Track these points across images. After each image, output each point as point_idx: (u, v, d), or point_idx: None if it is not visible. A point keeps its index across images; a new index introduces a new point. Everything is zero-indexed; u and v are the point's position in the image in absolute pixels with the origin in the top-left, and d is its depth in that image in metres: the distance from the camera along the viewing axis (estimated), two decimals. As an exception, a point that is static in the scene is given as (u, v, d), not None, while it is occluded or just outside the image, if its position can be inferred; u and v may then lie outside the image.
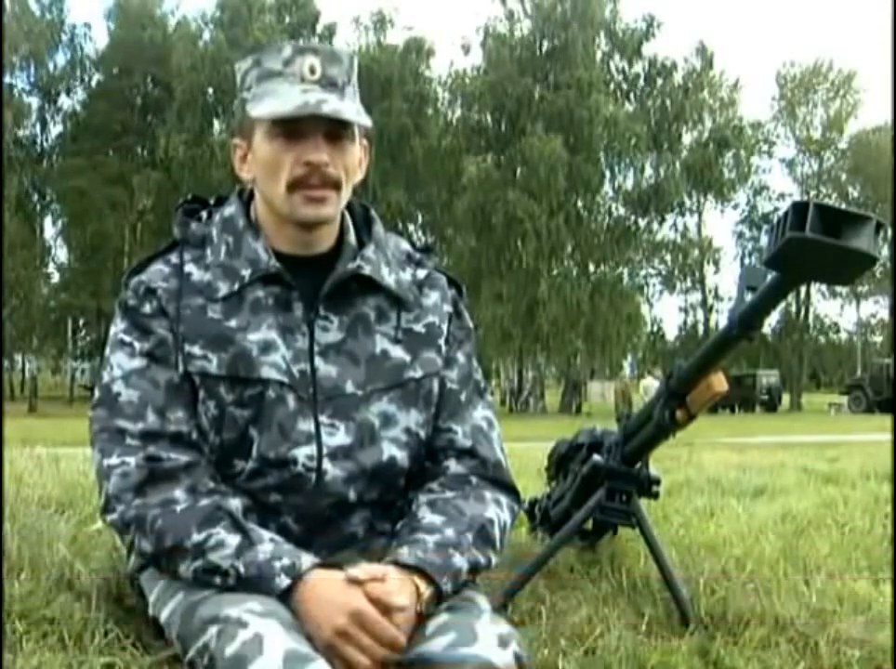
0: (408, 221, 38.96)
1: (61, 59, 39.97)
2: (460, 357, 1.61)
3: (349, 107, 1.48)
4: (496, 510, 1.51)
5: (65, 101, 40.72)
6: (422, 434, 1.55)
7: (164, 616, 1.43)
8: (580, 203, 36.43)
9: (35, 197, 40.10)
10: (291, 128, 1.46)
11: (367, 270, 1.53)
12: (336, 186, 1.48)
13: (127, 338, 1.49)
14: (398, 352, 1.54)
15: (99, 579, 1.75)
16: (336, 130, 1.47)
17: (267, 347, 1.47)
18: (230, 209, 1.57)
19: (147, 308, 1.49)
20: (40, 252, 39.82)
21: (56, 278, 42.59)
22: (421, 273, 1.62)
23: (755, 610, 1.92)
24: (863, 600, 2.07)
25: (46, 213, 41.07)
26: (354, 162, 1.52)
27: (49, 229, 41.84)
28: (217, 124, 38.39)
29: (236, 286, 1.49)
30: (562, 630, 1.82)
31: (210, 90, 37.67)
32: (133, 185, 36.65)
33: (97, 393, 1.50)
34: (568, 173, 34.06)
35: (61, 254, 43.10)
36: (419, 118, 36.85)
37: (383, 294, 1.55)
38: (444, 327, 1.59)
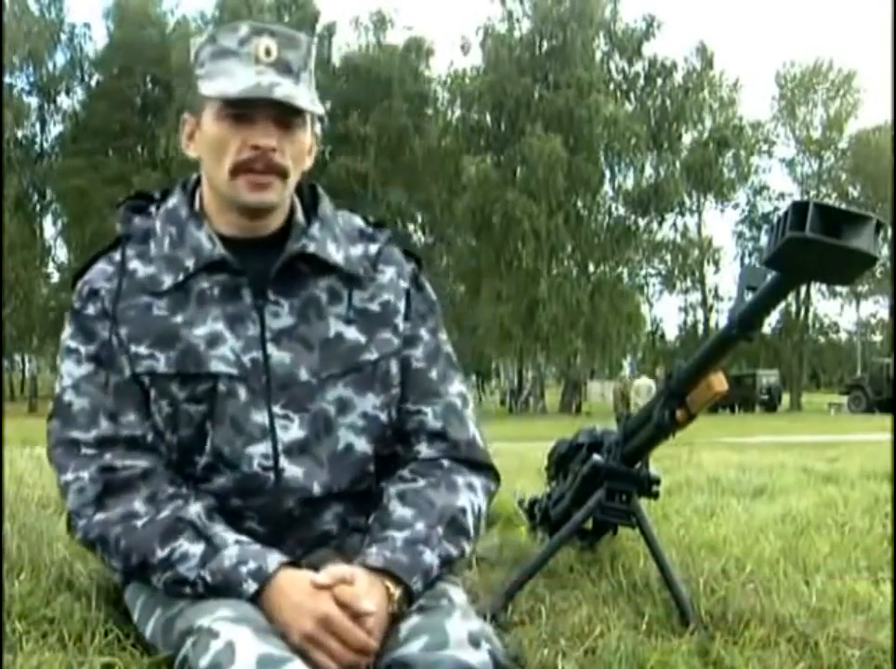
0: (408, 221, 38.94)
1: (61, 58, 40.07)
2: (424, 333, 1.56)
3: (303, 93, 1.42)
4: (469, 496, 1.47)
5: (65, 101, 40.83)
6: (382, 417, 1.50)
7: (147, 633, 1.43)
8: (580, 203, 36.40)
9: (35, 197, 40.09)
10: (241, 110, 1.41)
11: (311, 248, 1.47)
12: (283, 174, 1.43)
13: (73, 344, 1.47)
14: (352, 334, 1.49)
15: (100, 579, 1.75)
16: (286, 116, 1.42)
17: (214, 340, 1.43)
18: (173, 200, 1.53)
19: (91, 310, 1.46)
20: (40, 252, 39.81)
21: (56, 278, 42.55)
22: (373, 248, 1.55)
23: (755, 610, 1.91)
24: (863, 600, 2.07)
25: (46, 213, 41.11)
26: (303, 150, 1.48)
27: (49, 229, 41.94)
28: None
29: (181, 277, 1.45)
30: (562, 630, 1.81)
31: (210, 90, 37.65)
32: (133, 185, 36.57)
33: (51, 404, 1.47)
34: (568, 173, 34.05)
35: (61, 254, 43.12)
36: (419, 118, 36.85)
37: (335, 274, 1.50)
38: (401, 305, 1.54)
